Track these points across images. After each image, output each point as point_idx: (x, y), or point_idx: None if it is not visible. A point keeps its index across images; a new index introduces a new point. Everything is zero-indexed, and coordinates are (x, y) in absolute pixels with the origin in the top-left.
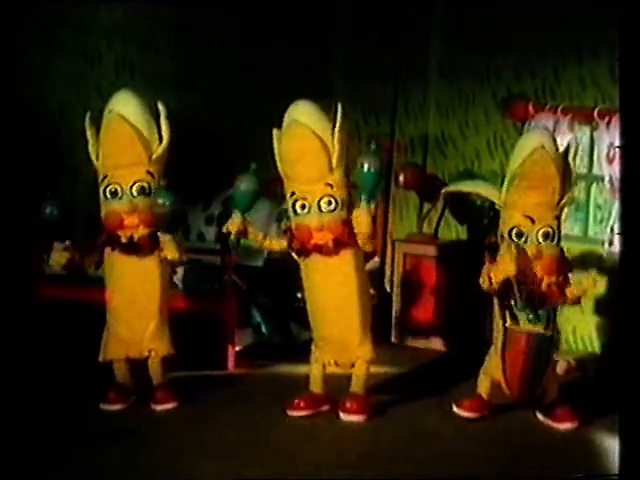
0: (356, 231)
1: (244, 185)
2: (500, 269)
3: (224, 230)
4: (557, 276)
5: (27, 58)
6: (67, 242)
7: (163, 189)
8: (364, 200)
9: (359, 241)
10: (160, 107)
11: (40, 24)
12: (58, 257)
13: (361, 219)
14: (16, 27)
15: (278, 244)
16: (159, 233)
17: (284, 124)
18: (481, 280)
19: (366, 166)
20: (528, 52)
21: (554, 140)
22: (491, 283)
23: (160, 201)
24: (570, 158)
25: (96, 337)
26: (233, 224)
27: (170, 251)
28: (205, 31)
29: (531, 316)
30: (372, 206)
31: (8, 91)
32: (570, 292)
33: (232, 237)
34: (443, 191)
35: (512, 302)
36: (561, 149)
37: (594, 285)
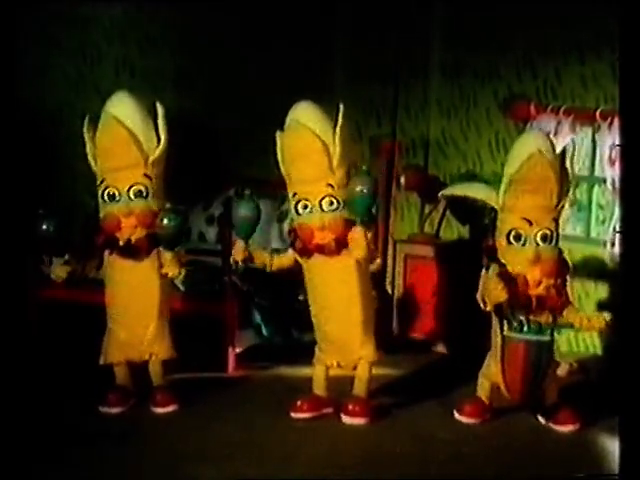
0: (353, 253)
1: (243, 212)
2: (491, 296)
3: (231, 261)
4: (556, 278)
5: (27, 58)
6: (66, 256)
7: (168, 211)
8: (359, 223)
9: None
10: (158, 108)
11: (40, 24)
12: (59, 271)
13: (357, 241)
14: (16, 27)
15: (286, 260)
16: (161, 249)
17: (286, 125)
18: (478, 297)
19: (359, 189)
20: (529, 51)
21: (551, 142)
22: (485, 305)
23: (165, 222)
24: (567, 161)
25: (96, 339)
26: (237, 253)
27: (171, 269)
28: (205, 31)
29: (526, 328)
30: (369, 230)
31: (8, 91)
32: (579, 322)
33: (239, 265)
34: (440, 194)
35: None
36: (558, 151)
37: (602, 325)
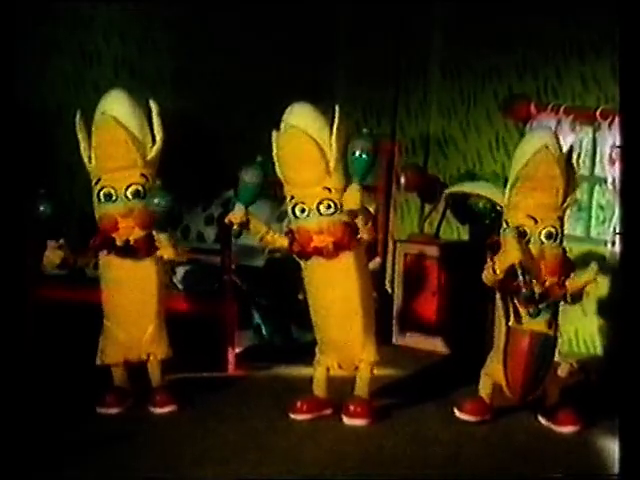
0: (345, 208)
1: (248, 177)
2: (505, 255)
3: (226, 221)
4: (560, 276)
5: (25, 57)
6: (61, 241)
7: (158, 189)
8: (355, 181)
9: (360, 231)
10: (152, 105)
11: (39, 23)
12: (52, 257)
13: (350, 195)
14: (16, 27)
15: (280, 240)
16: (154, 232)
17: (281, 128)
18: (484, 273)
19: (358, 151)
20: (529, 51)
21: (558, 140)
22: (495, 272)
23: (155, 201)
24: (574, 159)
25: (94, 339)
26: (235, 215)
27: (166, 250)
28: (204, 31)
29: (532, 310)
30: (366, 191)
31: (7, 90)
32: (570, 284)
33: (234, 229)
34: (446, 192)
35: (515, 296)
36: (565, 149)
37: (595, 276)
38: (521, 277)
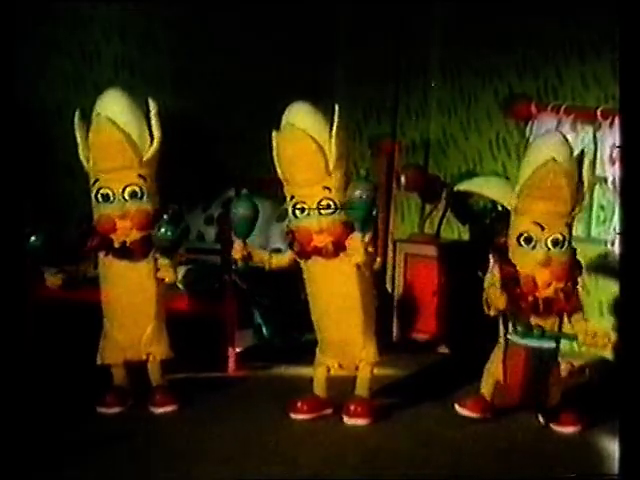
0: (352, 259)
1: (241, 211)
2: (492, 304)
3: (231, 259)
4: (565, 282)
5: (25, 57)
6: (56, 269)
7: (165, 222)
8: (358, 229)
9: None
10: (151, 104)
11: (39, 23)
12: (53, 280)
13: (355, 248)
14: (16, 26)
15: (285, 259)
16: (157, 255)
17: (281, 127)
18: (484, 296)
19: (358, 194)
20: (529, 51)
21: (567, 148)
22: (489, 309)
23: (162, 231)
24: (585, 167)
25: (94, 339)
26: (236, 251)
27: (167, 274)
28: (205, 30)
29: (530, 332)
30: (367, 236)
31: (7, 90)
32: (583, 335)
33: (239, 264)
34: (454, 189)
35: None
36: (575, 156)
37: (605, 345)
38: (513, 319)
